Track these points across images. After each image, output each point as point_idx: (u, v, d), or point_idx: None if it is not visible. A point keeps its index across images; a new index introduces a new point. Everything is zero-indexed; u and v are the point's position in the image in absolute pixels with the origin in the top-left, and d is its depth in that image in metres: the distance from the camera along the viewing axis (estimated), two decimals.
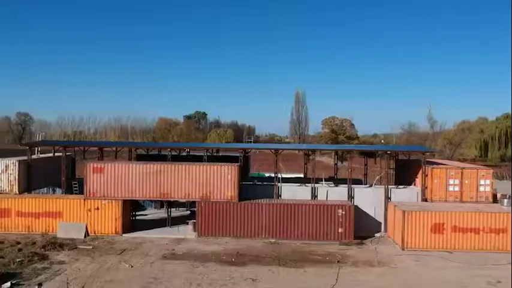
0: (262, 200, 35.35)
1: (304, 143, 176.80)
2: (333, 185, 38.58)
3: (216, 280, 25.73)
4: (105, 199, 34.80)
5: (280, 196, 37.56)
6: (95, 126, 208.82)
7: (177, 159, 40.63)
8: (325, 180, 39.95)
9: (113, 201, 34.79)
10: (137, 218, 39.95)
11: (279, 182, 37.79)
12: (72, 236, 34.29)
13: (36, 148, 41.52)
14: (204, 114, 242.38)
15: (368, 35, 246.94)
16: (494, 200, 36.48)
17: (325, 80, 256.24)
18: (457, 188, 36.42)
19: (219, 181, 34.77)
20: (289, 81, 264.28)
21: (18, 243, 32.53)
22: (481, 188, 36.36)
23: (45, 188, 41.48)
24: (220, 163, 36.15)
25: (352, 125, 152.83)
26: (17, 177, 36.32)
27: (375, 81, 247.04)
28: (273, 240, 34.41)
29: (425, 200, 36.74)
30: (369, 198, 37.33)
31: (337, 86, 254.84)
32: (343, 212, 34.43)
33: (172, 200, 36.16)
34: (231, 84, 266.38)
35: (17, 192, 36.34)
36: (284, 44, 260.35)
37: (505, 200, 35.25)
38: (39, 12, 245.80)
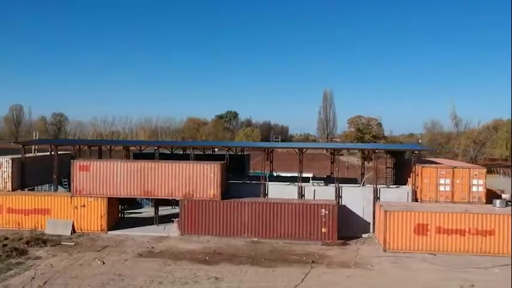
0: (244, 198, 35.10)
1: (332, 142, 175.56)
2: (322, 184, 37.93)
3: (179, 278, 25.71)
4: (91, 197, 35.38)
5: (267, 195, 37.24)
6: (127, 126, 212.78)
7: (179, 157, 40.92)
8: (314, 179, 39.39)
9: (99, 198, 35.32)
10: (131, 215, 40.52)
11: (265, 181, 37.48)
12: (59, 232, 35.00)
13: (33, 147, 42.56)
14: (235, 114, 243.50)
15: (403, 32, 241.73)
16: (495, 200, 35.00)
17: (356, 79, 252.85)
18: (448, 188, 35.18)
19: (202, 180, 34.77)
20: (319, 81, 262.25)
21: (6, 238, 33.44)
22: (474, 188, 34.99)
23: (46, 185, 42.62)
24: (203, 162, 36.09)
25: (379, 124, 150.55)
26: (10, 174, 37.34)
27: (410, 80, 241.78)
28: (255, 239, 34.15)
29: (416, 200, 35.67)
30: (357, 198, 36.54)
31: (369, 86, 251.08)
32: (327, 212, 33.81)
33: (156, 198, 36.29)
34: (262, 84, 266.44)
35: (10, 189, 37.36)
36: (313, 43, 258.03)
37: (498, 201, 33.82)
38: (77, 16, 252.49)
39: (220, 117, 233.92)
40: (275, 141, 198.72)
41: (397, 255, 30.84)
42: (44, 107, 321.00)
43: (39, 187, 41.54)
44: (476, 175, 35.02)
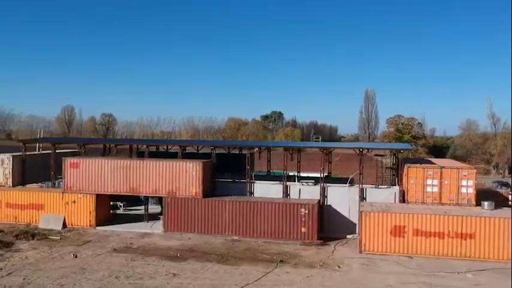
0: (226, 197, 35.26)
1: (374, 142, 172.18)
2: (311, 183, 37.41)
3: (138, 273, 26.22)
4: (80, 193, 36.65)
5: (253, 193, 37.22)
6: (171, 126, 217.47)
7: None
8: (301, 179, 38.93)
9: (88, 195, 36.54)
10: (128, 212, 41.51)
11: (251, 180, 37.47)
12: (51, 227, 36.49)
13: (37, 144, 44.51)
14: (280, 114, 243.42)
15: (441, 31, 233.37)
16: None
17: (401, 79, 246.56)
18: (435, 189, 33.86)
19: (184, 177, 35.24)
20: (362, 81, 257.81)
21: (1, 231, 35.27)
22: (463, 190, 33.50)
23: (49, 182, 44.39)
24: (185, 160, 36.53)
25: (420, 124, 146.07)
26: (10, 171, 39.28)
27: (453, 79, 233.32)
28: (236, 238, 34.24)
29: (404, 201, 34.59)
30: (343, 198, 35.85)
31: (414, 85, 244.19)
32: (306, 211, 33.41)
33: (140, 195, 37.09)
34: (307, 84, 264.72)
35: (11, 185, 39.30)
36: (357, 42, 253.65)
37: (486, 203, 32.20)
38: (125, 19, 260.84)
39: (266, 117, 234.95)
40: (315, 141, 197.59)
41: (371, 257, 30.05)
42: (94, 107, 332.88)
43: (43, 184, 43.20)
44: (465, 176, 33.51)
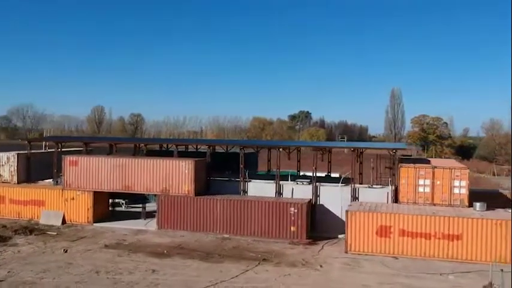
0: (217, 195, 35.62)
1: (400, 142, 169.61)
2: (306, 182, 37.39)
3: (119, 269, 26.82)
4: (79, 190, 37.66)
5: (247, 192, 37.48)
6: (197, 126, 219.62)
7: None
8: (295, 178, 38.93)
9: (86, 192, 37.52)
10: (130, 209, 42.33)
11: (245, 179, 37.72)
12: (51, 223, 37.64)
13: (43, 143, 45.90)
14: (308, 114, 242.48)
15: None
16: None
17: (429, 78, 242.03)
18: (428, 189, 33.36)
19: (177, 176, 35.75)
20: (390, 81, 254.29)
21: (4, 226, 36.62)
22: (456, 190, 32.89)
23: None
24: (178, 158, 37.07)
25: (445, 123, 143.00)
26: (15, 168, 40.67)
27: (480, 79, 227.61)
28: (226, 236, 34.55)
29: (396, 201, 34.21)
30: (335, 198, 35.68)
31: (442, 85, 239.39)
32: (296, 210, 33.44)
33: (135, 192, 37.78)
34: (337, 84, 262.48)
35: (16, 182, 40.68)
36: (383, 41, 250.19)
37: (478, 204, 31.54)
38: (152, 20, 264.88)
39: (293, 117, 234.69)
40: (341, 141, 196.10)
41: (356, 257, 29.85)
42: (123, 107, 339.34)
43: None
44: (458, 176, 32.90)
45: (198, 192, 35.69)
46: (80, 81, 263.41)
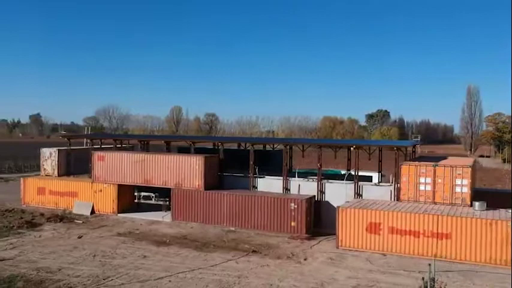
0: (225, 190, 37.33)
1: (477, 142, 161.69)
2: (311, 179, 38.05)
3: (116, 254, 29.42)
4: (105, 183, 41.06)
5: (256, 188, 38.86)
6: (269, 126, 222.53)
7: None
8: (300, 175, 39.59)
9: (111, 185, 40.83)
10: (157, 202, 45.17)
11: (255, 175, 39.10)
12: (82, 212, 41.39)
13: (84, 140, 50.18)
14: (386, 113, 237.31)
15: None
16: None
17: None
18: (429, 188, 32.81)
19: (189, 171, 37.94)
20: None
21: (42, 214, 40.85)
22: (457, 189, 32.09)
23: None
24: (190, 154, 39.21)
25: None
26: (56, 162, 45.06)
27: None
28: (232, 229, 36.19)
29: (398, 199, 33.98)
30: (340, 194, 36.05)
31: None
32: (296, 206, 34.33)
33: (153, 186, 40.41)
34: (418, 82, 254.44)
35: (57, 175, 45.06)
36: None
37: (477, 203, 30.64)
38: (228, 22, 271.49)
39: (371, 116, 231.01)
40: (415, 139, 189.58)
41: (345, 252, 30.26)
42: (200, 107, 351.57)
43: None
44: (459, 174, 32.05)
45: (209, 186, 37.61)
46: (161, 82, 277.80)
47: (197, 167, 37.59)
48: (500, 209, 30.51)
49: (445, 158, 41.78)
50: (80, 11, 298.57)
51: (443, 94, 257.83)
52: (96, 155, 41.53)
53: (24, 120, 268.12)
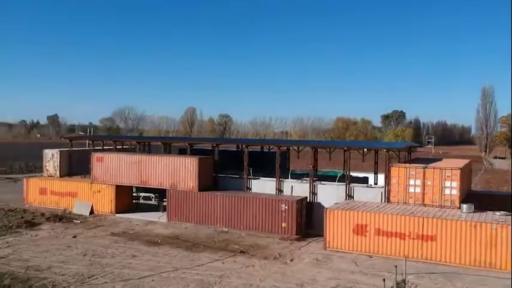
0: (218, 191, 37.79)
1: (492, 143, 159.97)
2: (305, 181, 38.31)
3: (106, 253, 30.11)
4: (104, 184, 41.87)
5: (250, 189, 39.27)
6: (283, 127, 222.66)
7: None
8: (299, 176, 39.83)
9: (109, 186, 41.61)
10: (155, 203, 45.88)
11: (249, 176, 39.49)
12: (82, 212, 42.26)
13: (87, 141, 51.12)
14: (402, 113, 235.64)
15: None
16: None
17: None
18: (418, 190, 32.85)
19: (184, 172, 38.49)
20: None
21: (43, 214, 41.85)
22: (446, 191, 32.07)
23: None
24: (184, 156, 39.77)
25: None
26: (58, 164, 46.05)
27: None
28: (225, 229, 36.63)
29: (389, 201, 34.07)
30: (332, 196, 36.21)
31: None
32: (286, 207, 34.63)
33: (150, 187, 41.04)
34: (436, 83, 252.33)
35: (59, 176, 46.05)
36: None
37: (465, 206, 30.62)
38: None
39: (386, 117, 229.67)
40: (428, 141, 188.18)
41: (332, 254, 30.48)
42: (213, 108, 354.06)
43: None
44: (448, 176, 32.03)
45: (203, 187, 38.12)
46: (175, 83, 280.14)
47: (191, 168, 38.13)
48: (488, 212, 30.42)
49: (441, 160, 41.69)
50: (98, 12, 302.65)
51: (461, 95, 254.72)
52: (95, 156, 42.36)
53: (43, 121, 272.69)
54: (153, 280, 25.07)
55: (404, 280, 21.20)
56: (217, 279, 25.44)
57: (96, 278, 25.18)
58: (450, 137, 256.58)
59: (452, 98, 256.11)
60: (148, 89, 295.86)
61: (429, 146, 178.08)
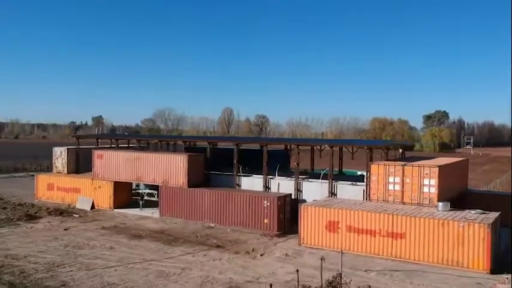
0: (206, 188, 38.59)
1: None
2: (290, 178, 38.55)
3: (86, 244, 31.52)
4: (103, 180, 43.54)
5: (240, 186, 39.87)
6: (318, 127, 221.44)
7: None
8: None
9: (108, 182, 43.23)
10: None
11: (238, 174, 40.10)
12: (84, 207, 44.11)
13: (97, 140, 53.18)
14: (445, 113, 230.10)
15: None
16: None
17: None
18: (398, 187, 32.50)
19: (175, 169, 39.54)
20: None
21: (48, 208, 43.97)
22: (425, 189, 31.59)
23: None
24: (175, 153, 40.78)
25: None
26: (66, 161, 48.18)
27: None
28: (212, 225, 37.40)
29: (369, 199, 33.87)
30: (316, 193, 36.40)
31: None
32: (268, 204, 35.03)
33: (143, 183, 42.32)
34: (477, 82, 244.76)
35: (66, 173, 48.17)
36: None
37: (440, 204, 30.10)
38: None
39: (428, 117, 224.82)
40: (467, 142, 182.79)
41: (304, 250, 30.67)
42: (250, 109, 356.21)
43: None
44: (427, 174, 31.52)
45: (192, 184, 39.02)
46: (214, 83, 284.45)
47: (181, 165, 39.12)
48: (465, 210, 29.80)
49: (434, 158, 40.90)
50: (137, 15, 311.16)
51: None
52: (96, 153, 44.09)
53: (90, 122, 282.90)
54: (116, 270, 26.13)
55: (340, 274, 21.23)
56: (179, 270, 26.23)
57: (64, 267, 26.48)
58: (498, 138, 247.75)
59: (501, 98, 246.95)
60: (187, 90, 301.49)
61: (468, 146, 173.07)
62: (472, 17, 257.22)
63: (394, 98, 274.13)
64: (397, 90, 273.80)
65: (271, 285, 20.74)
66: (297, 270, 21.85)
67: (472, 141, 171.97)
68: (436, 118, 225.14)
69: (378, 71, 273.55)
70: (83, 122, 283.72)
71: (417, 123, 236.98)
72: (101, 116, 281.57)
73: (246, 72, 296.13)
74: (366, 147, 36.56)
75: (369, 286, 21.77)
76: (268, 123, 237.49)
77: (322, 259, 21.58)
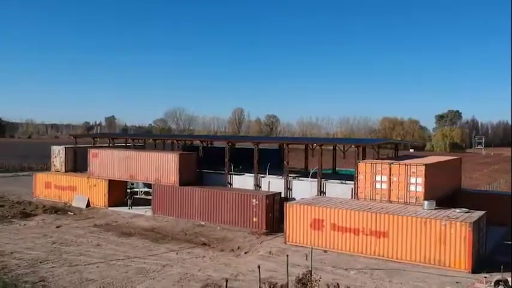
0: (197, 186, 38.74)
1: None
2: (280, 177, 38.51)
3: (74, 242, 31.90)
4: (98, 178, 43.94)
5: (232, 184, 39.97)
6: (329, 127, 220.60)
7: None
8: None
9: (103, 180, 43.62)
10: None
11: (230, 172, 40.19)
12: (79, 205, 44.56)
13: (93, 139, 53.58)
14: (457, 113, 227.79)
15: None
16: None
17: None
18: (385, 186, 32.32)
19: (166, 167, 39.76)
20: None
21: (44, 206, 44.50)
22: (412, 187, 31.36)
23: None
24: (167, 152, 40.98)
25: None
26: (64, 159, 48.71)
27: None
28: (202, 223, 37.55)
29: (357, 197, 33.71)
30: (305, 192, 36.31)
31: None
32: (257, 202, 35.07)
33: (136, 181, 42.58)
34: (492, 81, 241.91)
35: (64, 171, 48.70)
36: None
37: (426, 203, 29.86)
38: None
39: (441, 117, 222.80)
40: (478, 142, 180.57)
41: (289, 248, 30.59)
42: (261, 109, 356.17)
43: None
44: (414, 173, 31.29)
45: (184, 182, 39.20)
46: (224, 84, 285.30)
47: (173, 163, 39.33)
48: (450, 209, 29.53)
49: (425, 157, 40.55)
50: (149, 16, 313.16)
51: None
52: (92, 152, 44.53)
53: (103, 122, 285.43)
54: (97, 266, 26.39)
55: (310, 271, 21.19)
56: (159, 267, 26.40)
57: (47, 263, 26.82)
58: None
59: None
60: (198, 90, 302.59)
61: (479, 146, 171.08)
62: (489, 14, 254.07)
63: (406, 98, 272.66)
64: (410, 90, 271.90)
65: (226, 281, 20.77)
66: (259, 267, 21.88)
67: (483, 141, 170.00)
68: (449, 118, 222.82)
69: (389, 70, 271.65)
70: (97, 122, 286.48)
71: (430, 123, 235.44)
72: (113, 116, 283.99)
73: (257, 72, 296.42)
74: (353, 146, 36.28)
75: (337, 284, 21.55)
76: (278, 123, 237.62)
77: (287, 256, 21.49)
